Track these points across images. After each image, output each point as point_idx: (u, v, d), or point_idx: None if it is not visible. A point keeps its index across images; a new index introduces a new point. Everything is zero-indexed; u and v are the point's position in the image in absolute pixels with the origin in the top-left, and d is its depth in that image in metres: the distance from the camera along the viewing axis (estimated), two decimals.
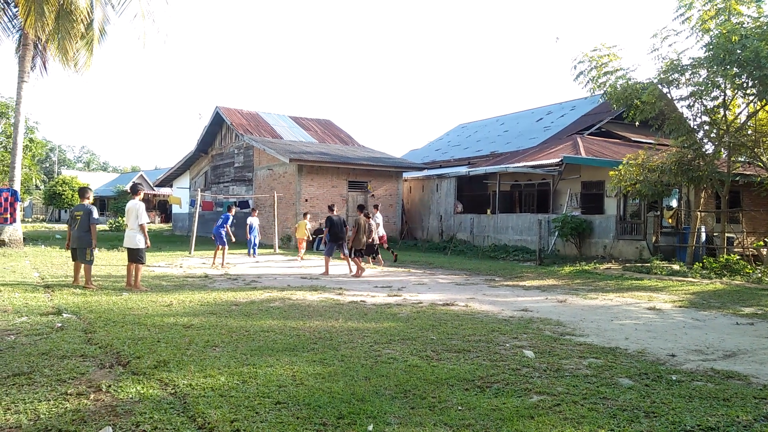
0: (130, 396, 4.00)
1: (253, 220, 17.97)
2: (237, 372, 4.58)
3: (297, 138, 28.71)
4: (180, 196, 32.54)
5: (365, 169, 24.47)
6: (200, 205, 21.67)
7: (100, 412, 3.71)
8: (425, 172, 26.73)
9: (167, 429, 3.44)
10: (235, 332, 6.10)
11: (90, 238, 9.42)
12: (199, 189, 25.38)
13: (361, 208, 13.82)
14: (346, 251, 13.25)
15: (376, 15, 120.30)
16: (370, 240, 13.70)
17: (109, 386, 4.18)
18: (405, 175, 26.65)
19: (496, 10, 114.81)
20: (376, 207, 17.78)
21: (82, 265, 9.56)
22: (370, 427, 3.50)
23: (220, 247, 14.29)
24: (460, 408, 3.87)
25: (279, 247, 20.58)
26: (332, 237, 13.33)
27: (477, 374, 4.68)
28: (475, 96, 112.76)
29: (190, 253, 18.10)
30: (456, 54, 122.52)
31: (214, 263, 14.29)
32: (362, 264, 13.02)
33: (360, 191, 24.50)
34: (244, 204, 25.97)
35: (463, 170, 24.42)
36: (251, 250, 17.52)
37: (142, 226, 9.50)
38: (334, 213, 13.71)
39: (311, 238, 18.94)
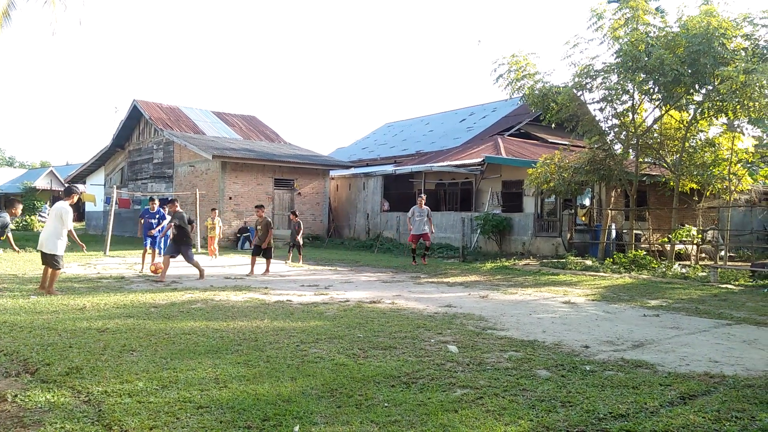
0: (39, 405, 3.76)
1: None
2: (156, 377, 4.40)
3: (220, 134, 27.97)
4: (94, 193, 30.91)
5: (292, 166, 24.20)
6: (116, 203, 20.64)
7: (5, 423, 3.46)
8: (352, 171, 26.77)
9: None
10: (154, 335, 5.87)
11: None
12: (115, 186, 24.20)
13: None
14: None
15: (301, 10, 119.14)
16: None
17: (15, 396, 3.91)
18: (332, 174, 26.57)
19: (421, 12, 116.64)
20: (420, 197, 16.27)
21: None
22: (296, 428, 3.47)
23: (150, 249, 13.18)
24: (386, 404, 3.91)
25: (201, 246, 19.95)
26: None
27: (403, 370, 4.74)
28: (401, 96, 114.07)
29: (104, 253, 17.22)
30: (382, 53, 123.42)
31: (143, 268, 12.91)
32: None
33: (286, 189, 24.19)
34: (164, 201, 25.01)
35: (389, 169, 24.63)
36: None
37: (70, 232, 8.91)
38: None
39: (220, 236, 18.07)
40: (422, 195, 16.23)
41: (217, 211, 18.01)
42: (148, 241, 13.24)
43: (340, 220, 26.60)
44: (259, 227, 13.24)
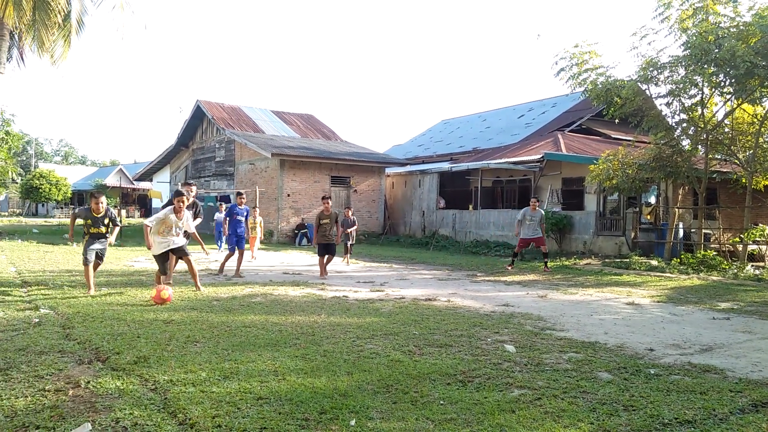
0: (110, 392, 3.96)
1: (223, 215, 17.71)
2: (218, 367, 4.55)
3: (279, 132, 28.55)
4: (160, 190, 32.19)
5: (348, 164, 24.43)
6: None
7: (78, 408, 3.66)
8: (408, 168, 26.77)
9: (147, 425, 3.41)
10: (216, 328, 6.06)
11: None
12: (179, 183, 25.11)
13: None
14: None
15: (360, 9, 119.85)
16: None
17: (88, 382, 4.13)
18: (387, 171, 26.65)
19: (479, 6, 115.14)
20: (536, 199, 14.90)
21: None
22: (353, 422, 3.50)
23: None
24: (441, 402, 3.89)
25: (261, 242, 20.44)
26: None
27: (459, 369, 4.70)
28: (458, 92, 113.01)
29: None
30: (438, 49, 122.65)
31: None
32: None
33: (343, 186, 24.45)
34: (225, 199, 25.79)
35: (445, 166, 24.49)
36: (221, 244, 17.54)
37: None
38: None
39: (261, 237, 16.75)
40: (535, 197, 15.17)
41: (257, 209, 17.03)
42: (234, 240, 11.52)
43: (396, 217, 26.66)
44: (324, 222, 11.52)
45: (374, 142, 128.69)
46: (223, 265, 11.59)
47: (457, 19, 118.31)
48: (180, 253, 8.68)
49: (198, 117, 29.66)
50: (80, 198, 55.11)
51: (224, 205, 18.46)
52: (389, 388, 4.15)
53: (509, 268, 13.86)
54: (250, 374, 4.40)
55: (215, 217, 17.87)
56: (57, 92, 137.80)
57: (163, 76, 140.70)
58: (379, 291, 9.51)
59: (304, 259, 15.61)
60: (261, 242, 20.35)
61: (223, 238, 17.41)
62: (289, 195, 22.96)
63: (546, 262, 14.24)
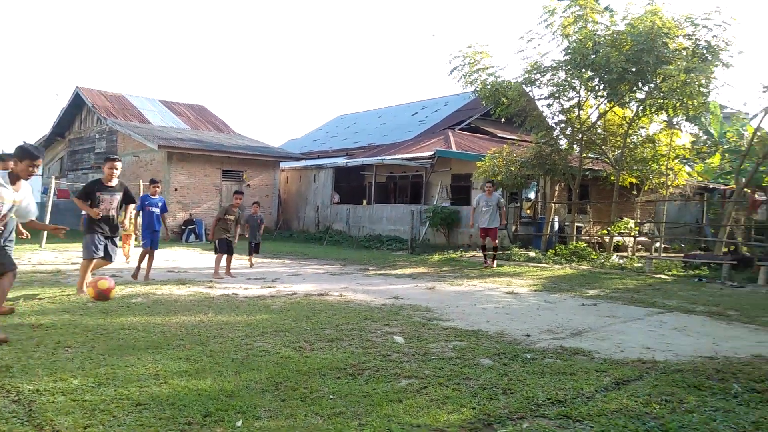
0: None
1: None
2: (92, 374, 4.26)
3: (167, 123, 27.20)
4: (30, 183, 29.50)
5: (241, 158, 23.77)
6: (55, 194, 19.78)
7: None
8: (303, 163, 26.55)
9: None
10: (91, 331, 5.67)
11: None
12: (53, 176, 23.19)
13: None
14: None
15: (253, 1, 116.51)
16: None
17: None
18: (282, 165, 26.27)
19: (376, 4, 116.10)
20: (491, 183, 13.81)
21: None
22: (239, 423, 3.43)
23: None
24: (331, 397, 3.91)
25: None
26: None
27: (349, 362, 4.75)
28: (354, 88, 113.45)
29: (41, 246, 16.50)
30: (335, 45, 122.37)
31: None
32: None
33: (235, 181, 23.76)
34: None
35: (341, 161, 24.56)
36: None
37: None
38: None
39: (136, 232, 13.92)
40: (490, 180, 13.71)
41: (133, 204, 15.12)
42: (148, 235, 10.13)
43: (290, 212, 26.36)
44: (230, 218, 10.84)
45: (269, 136, 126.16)
46: (138, 266, 9.99)
47: (353, 14, 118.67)
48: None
49: (77, 105, 27.53)
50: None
51: None
52: (278, 386, 4.11)
53: (485, 266, 12.99)
54: (129, 379, 4.17)
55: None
56: None
57: (37, 60, 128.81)
58: (270, 287, 9.36)
59: (192, 257, 15.01)
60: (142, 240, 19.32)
61: None
62: (176, 189, 21.93)
63: (494, 257, 13.24)
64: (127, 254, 12.99)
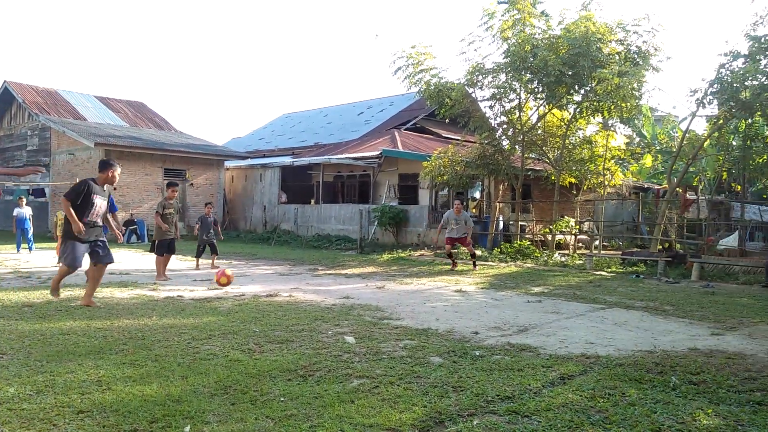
0: None
1: (25, 210, 15.61)
2: (30, 381, 4.06)
3: (104, 120, 26.20)
4: None
5: (183, 156, 23.17)
6: None
7: None
8: (248, 161, 26.13)
9: None
10: (27, 337, 5.40)
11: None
12: None
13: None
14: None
15: None
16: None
17: None
18: (227, 164, 25.77)
19: (319, 2, 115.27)
20: (460, 202, 13.49)
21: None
22: (187, 429, 3.34)
23: None
24: (282, 399, 3.87)
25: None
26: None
27: (300, 364, 4.71)
28: (300, 86, 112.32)
29: None
30: (280, 41, 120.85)
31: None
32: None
33: (177, 180, 23.11)
34: (38, 192, 23.09)
35: (287, 160, 24.32)
36: (31, 244, 15.57)
37: None
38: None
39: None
40: (458, 199, 13.64)
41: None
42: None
43: (236, 212, 25.88)
44: (169, 212, 10.61)
45: (213, 134, 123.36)
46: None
47: (301, 12, 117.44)
48: None
49: (6, 100, 26.15)
50: None
51: (24, 199, 16.36)
52: (227, 390, 4.03)
53: (452, 269, 12.87)
54: (69, 386, 3.99)
55: (15, 213, 15.55)
56: None
57: None
58: (217, 289, 9.16)
59: (134, 258, 14.51)
60: None
61: (30, 237, 15.55)
62: (115, 189, 21.13)
63: (474, 263, 13.15)
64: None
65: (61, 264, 7.22)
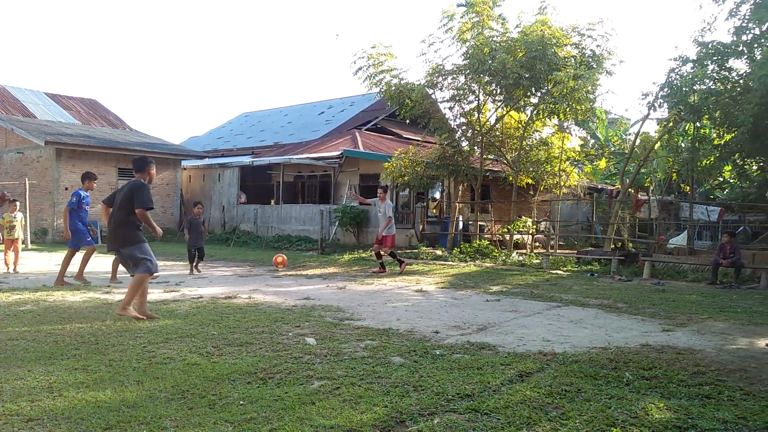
0: None
1: None
2: None
3: (55, 118, 25.33)
4: None
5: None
6: None
7: None
8: (206, 161, 25.67)
9: None
10: None
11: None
12: None
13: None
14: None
15: None
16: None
17: None
18: (184, 164, 25.25)
19: (280, 1, 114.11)
20: (383, 189, 12.71)
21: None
22: None
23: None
24: (241, 402, 3.82)
25: (32, 242, 17.94)
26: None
27: (260, 366, 4.65)
28: (259, 84, 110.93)
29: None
30: (236, 41, 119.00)
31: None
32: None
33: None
34: None
35: (246, 160, 23.99)
36: None
37: None
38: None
39: (21, 237, 12.27)
40: (382, 185, 12.67)
41: (18, 203, 12.51)
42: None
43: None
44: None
45: (169, 133, 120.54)
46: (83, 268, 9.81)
47: (258, 10, 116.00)
48: None
49: None
50: None
51: None
52: (185, 394, 3.95)
53: (380, 270, 12.27)
54: (18, 393, 3.85)
55: None
56: None
57: None
58: (174, 291, 8.98)
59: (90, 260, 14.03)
60: (32, 243, 17.86)
61: None
62: (67, 189, 20.44)
63: (400, 262, 12.42)
64: (8, 262, 11.74)
65: (141, 273, 6.60)
